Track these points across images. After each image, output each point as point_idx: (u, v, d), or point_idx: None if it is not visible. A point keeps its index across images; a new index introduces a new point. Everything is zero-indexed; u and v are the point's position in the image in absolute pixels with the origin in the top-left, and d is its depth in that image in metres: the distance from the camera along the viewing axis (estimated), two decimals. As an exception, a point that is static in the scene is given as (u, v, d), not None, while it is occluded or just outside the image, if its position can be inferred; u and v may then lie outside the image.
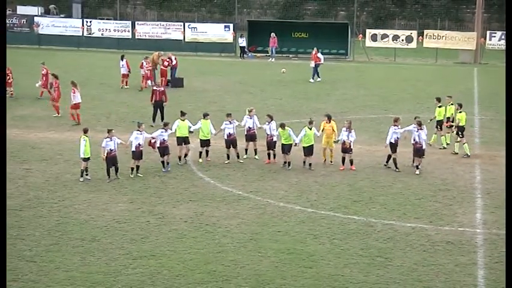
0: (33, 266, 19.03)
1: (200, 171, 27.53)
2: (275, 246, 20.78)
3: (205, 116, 27.79)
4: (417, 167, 26.77)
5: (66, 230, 21.77)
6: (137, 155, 26.79)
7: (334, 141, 27.56)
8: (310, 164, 26.82)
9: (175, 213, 23.34)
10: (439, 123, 32.45)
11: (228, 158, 28.23)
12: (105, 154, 26.26)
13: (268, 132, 26.74)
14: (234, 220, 22.80)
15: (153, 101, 34.43)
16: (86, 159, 26.51)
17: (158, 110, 34.10)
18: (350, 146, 26.90)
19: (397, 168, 27.23)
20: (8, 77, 36.60)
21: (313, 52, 48.55)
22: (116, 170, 26.68)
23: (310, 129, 26.39)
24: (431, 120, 32.72)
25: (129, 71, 45.62)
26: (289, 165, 26.95)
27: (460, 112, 32.01)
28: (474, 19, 59.32)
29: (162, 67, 46.05)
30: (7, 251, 19.97)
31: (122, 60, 44.98)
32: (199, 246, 20.64)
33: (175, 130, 27.43)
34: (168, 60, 46.55)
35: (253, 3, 68.33)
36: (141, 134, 26.90)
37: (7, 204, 23.81)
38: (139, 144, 26.63)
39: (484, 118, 38.13)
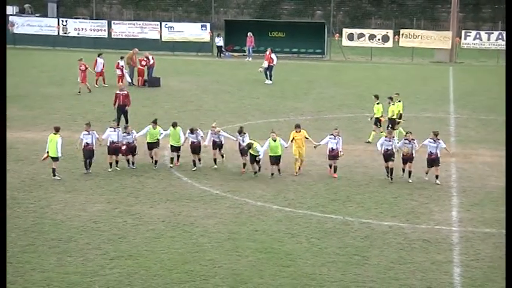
0: (9, 267, 18.87)
1: (177, 171, 27.52)
2: (253, 245, 20.81)
3: (174, 125, 27.57)
4: (436, 177, 26.41)
5: (43, 230, 21.71)
6: (112, 150, 27.20)
7: (314, 147, 27.37)
8: (279, 170, 26.70)
9: (153, 213, 23.34)
10: (378, 122, 33.07)
11: (194, 164, 28.21)
12: (82, 146, 26.75)
13: (241, 143, 26.50)
14: (211, 219, 22.83)
15: (116, 105, 34.14)
16: (54, 158, 26.57)
17: (121, 113, 33.73)
18: (338, 154, 26.73)
19: (389, 177, 26.96)
20: None
21: (267, 53, 48.60)
22: (90, 164, 27.09)
23: (275, 140, 26.16)
24: (371, 118, 33.37)
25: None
26: (256, 173, 26.99)
27: (378, 104, 33.23)
28: (449, 18, 59.65)
29: (140, 66, 46.12)
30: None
31: (100, 57, 45.00)
32: (176, 246, 20.65)
33: (147, 136, 27.45)
34: (145, 59, 46.58)
35: (230, 3, 68.37)
36: (114, 131, 27.32)
37: None
38: (113, 141, 27.07)
39: (459, 117, 38.30)
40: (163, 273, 18.75)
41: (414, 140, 26.02)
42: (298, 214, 23.45)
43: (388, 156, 26.14)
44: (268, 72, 47.69)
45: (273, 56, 48.51)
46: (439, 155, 25.65)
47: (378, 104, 33.23)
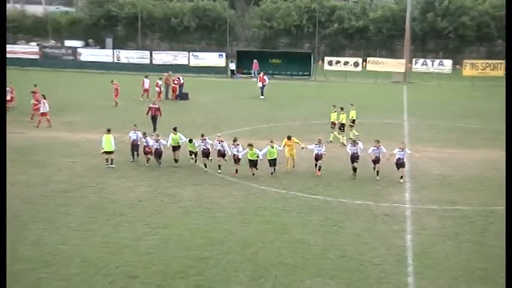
0: (77, 233, 18.98)
1: (201, 163, 27.43)
2: (257, 218, 20.87)
3: (175, 130, 27.30)
4: (401, 177, 25.48)
5: (102, 207, 21.74)
6: (133, 147, 27.70)
7: (302, 148, 26.80)
8: (274, 169, 25.97)
9: (183, 194, 23.32)
10: (333, 125, 32.81)
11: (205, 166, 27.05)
12: (130, 141, 27.38)
13: (235, 152, 25.71)
14: (226, 199, 22.81)
15: (148, 114, 33.83)
16: (107, 152, 26.89)
17: (153, 121, 33.57)
18: (321, 157, 26.18)
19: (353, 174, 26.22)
20: (38, 102, 35.78)
21: (261, 75, 48.55)
22: (137, 155, 27.42)
23: (272, 147, 25.61)
24: (334, 124, 32.95)
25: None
26: (253, 175, 25.79)
27: (342, 114, 32.66)
28: (403, 50, 59.49)
29: (173, 85, 46.26)
30: (58, 223, 20.00)
31: (146, 78, 45.01)
32: (200, 219, 20.70)
33: (171, 140, 27.11)
34: (177, 79, 46.66)
35: (240, 37, 68.26)
36: (135, 132, 27.61)
37: (58, 188, 23.95)
38: (134, 139, 27.50)
39: (411, 123, 38.21)
40: (190, 239, 18.79)
41: (380, 146, 25.49)
42: (291, 195, 23.42)
43: (354, 158, 25.77)
44: (261, 90, 47.42)
45: (266, 77, 48.31)
46: (404, 160, 25.21)
47: (336, 112, 32.83)
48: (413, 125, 37.40)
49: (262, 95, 47.56)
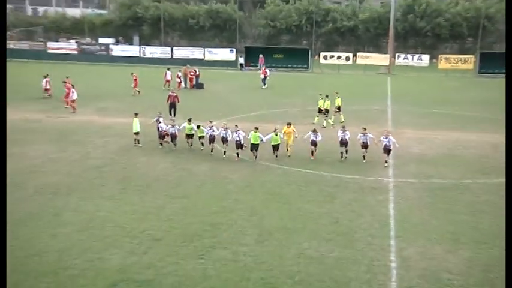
0: (109, 202, 19.05)
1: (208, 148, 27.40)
2: (262, 190, 20.87)
3: (189, 120, 26.25)
4: (386, 162, 24.54)
5: (131, 179, 21.79)
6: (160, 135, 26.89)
7: (296, 136, 25.84)
8: (276, 156, 25.09)
9: (199, 170, 23.28)
10: (320, 111, 32.34)
11: (212, 151, 26.07)
12: (156, 125, 26.89)
13: (237, 138, 24.78)
14: (236, 174, 22.79)
15: (168, 102, 33.46)
16: (136, 133, 26.77)
17: (172, 108, 33.09)
18: (316, 143, 25.20)
19: (342, 157, 25.32)
20: (69, 90, 35.47)
21: (263, 68, 48.47)
22: (164, 140, 26.78)
23: (276, 135, 24.81)
24: (320, 110, 32.50)
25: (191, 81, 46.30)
26: (256, 157, 24.89)
27: (327, 100, 32.31)
28: (387, 46, 59.13)
29: (190, 76, 46.17)
30: (94, 193, 20.09)
31: (169, 71, 44.88)
32: (214, 191, 20.72)
33: (185, 129, 26.27)
34: (194, 71, 46.58)
35: (248, 35, 67.87)
36: (159, 121, 27.05)
37: (93, 163, 24.09)
38: (161, 127, 26.73)
39: (394, 109, 38.04)
40: (206, 206, 18.88)
41: (367, 133, 24.79)
42: (291, 171, 23.35)
43: (343, 143, 25.06)
44: (264, 81, 47.04)
45: (267, 70, 47.99)
46: (391, 147, 24.25)
47: (323, 99, 32.40)
48: (395, 111, 37.24)
49: (264, 85, 47.26)
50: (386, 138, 24.12)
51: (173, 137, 26.39)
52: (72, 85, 35.43)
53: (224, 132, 25.12)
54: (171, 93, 34.00)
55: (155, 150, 26.33)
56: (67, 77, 36.73)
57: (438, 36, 62.83)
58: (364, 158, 24.70)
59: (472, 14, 61.33)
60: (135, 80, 41.47)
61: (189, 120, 26.21)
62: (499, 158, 25.64)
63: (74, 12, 72.84)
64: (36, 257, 15.17)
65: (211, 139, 25.49)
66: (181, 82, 45.17)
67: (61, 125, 31.10)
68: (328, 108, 32.50)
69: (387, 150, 24.07)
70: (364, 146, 24.55)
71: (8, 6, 73.48)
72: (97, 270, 14.44)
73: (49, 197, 19.75)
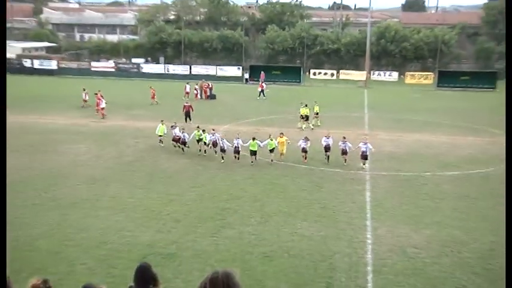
0: (140, 190, 19.02)
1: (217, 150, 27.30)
2: (263, 181, 20.86)
3: (200, 129, 25.09)
4: (363, 164, 22.92)
5: (156, 172, 21.76)
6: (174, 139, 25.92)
7: (288, 142, 24.22)
8: (272, 160, 23.76)
9: (211, 165, 23.19)
10: (302, 117, 31.95)
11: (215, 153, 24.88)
12: (173, 135, 25.91)
13: (236, 145, 23.50)
14: (241, 168, 22.74)
15: (184, 111, 32.82)
16: (160, 136, 26.53)
17: (187, 116, 32.45)
18: (307, 150, 23.74)
19: (327, 160, 23.93)
20: (99, 101, 34.96)
21: (260, 82, 48.13)
22: (183, 144, 25.81)
23: (271, 140, 23.72)
24: (302, 116, 32.09)
25: (205, 93, 45.88)
26: (252, 162, 23.47)
27: (306, 108, 32.05)
28: (365, 65, 58.95)
29: (205, 88, 46.01)
30: (127, 183, 20.07)
31: (187, 84, 44.68)
32: (224, 182, 20.68)
33: (194, 135, 25.11)
34: (208, 85, 46.47)
35: (252, 56, 67.69)
36: (175, 129, 25.96)
37: (127, 159, 24.05)
38: (175, 133, 25.80)
39: (370, 115, 37.82)
40: (217, 195, 18.84)
41: (346, 142, 23.60)
42: (286, 165, 23.24)
43: (327, 148, 23.93)
44: (262, 93, 46.14)
45: (263, 84, 47.17)
46: (367, 153, 22.75)
47: (303, 107, 32.10)
48: (371, 117, 37.07)
49: (263, 96, 46.21)
50: (364, 144, 22.86)
51: (183, 142, 25.58)
52: (101, 96, 35.22)
53: (214, 137, 24.16)
54: (185, 104, 33.65)
55: (176, 149, 26.27)
56: (99, 91, 36.68)
57: (405, 57, 62.76)
58: (345, 161, 23.39)
59: (431, 40, 61.56)
60: (153, 92, 41.25)
61: (197, 127, 25.73)
62: (453, 155, 25.67)
63: (113, 37, 72.88)
64: (84, 233, 15.24)
65: (214, 144, 24.31)
66: (197, 93, 45.02)
67: (102, 129, 31.03)
68: (308, 114, 32.24)
69: (364, 156, 22.71)
70: (344, 152, 23.27)
71: (61, 34, 73.56)
72: (131, 245, 14.46)
73: (92, 186, 19.78)
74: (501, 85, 49.30)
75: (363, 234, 15.55)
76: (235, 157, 23.59)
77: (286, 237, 15.30)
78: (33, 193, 18.81)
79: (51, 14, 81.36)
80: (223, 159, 23.74)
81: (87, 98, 38.17)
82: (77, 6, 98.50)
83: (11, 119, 32.27)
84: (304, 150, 23.75)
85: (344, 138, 23.67)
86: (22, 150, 25.12)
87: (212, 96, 45.82)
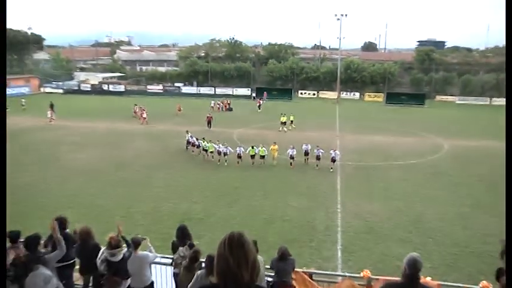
0: (180, 174, 18.61)
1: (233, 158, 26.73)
2: (263, 171, 20.48)
3: (206, 140, 22.27)
4: (331, 168, 20.25)
5: (191, 161, 21.13)
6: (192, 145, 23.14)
7: (277, 150, 21.29)
8: (263, 161, 20.99)
9: (228, 159, 22.46)
10: (282, 122, 31.56)
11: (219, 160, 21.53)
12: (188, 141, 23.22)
13: (238, 151, 21.08)
14: (248, 164, 21.70)
15: (206, 120, 31.60)
16: (188, 143, 23.54)
17: (208, 124, 31.13)
18: (293, 157, 20.84)
19: (306, 162, 21.52)
20: (142, 112, 34.05)
21: (258, 99, 47.46)
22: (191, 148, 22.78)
23: (263, 147, 21.13)
24: (281, 122, 31.58)
25: (225, 107, 44.65)
26: (252, 163, 20.79)
27: (284, 116, 31.68)
28: (336, 87, 58.43)
29: (225, 104, 45.60)
30: (171, 169, 19.86)
31: (213, 101, 44.44)
32: (237, 170, 20.40)
33: (206, 145, 21.99)
34: (227, 101, 46.24)
35: (257, 81, 67.27)
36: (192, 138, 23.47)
37: (170, 152, 23.35)
38: (193, 141, 23.24)
39: (339, 122, 37.36)
40: (232, 179, 18.48)
41: (320, 148, 20.80)
42: (280, 161, 22.34)
43: (306, 153, 21.44)
44: (259, 107, 44.57)
45: (261, 101, 46.29)
46: (336, 159, 20.47)
47: (282, 116, 31.82)
48: (340, 123, 36.66)
49: (259, 109, 44.47)
50: (334, 151, 20.57)
51: (197, 146, 22.58)
52: (141, 107, 34.90)
53: (225, 148, 21.18)
54: (208, 115, 32.58)
55: (199, 150, 25.74)
56: (135, 104, 36.23)
57: (364, 82, 62.31)
58: (317, 166, 20.52)
59: (381, 71, 61.83)
60: (179, 107, 39.85)
61: (203, 139, 22.56)
62: (396, 151, 25.35)
63: (162, 69, 73.15)
64: (142, 203, 15.24)
65: (219, 153, 21.23)
66: (220, 107, 44.76)
67: (153, 132, 30.72)
68: (285, 121, 31.71)
69: (333, 160, 20.34)
70: (317, 158, 20.60)
71: (127, 67, 72.97)
72: (172, 212, 14.48)
73: (146, 171, 19.69)
74: (428, 103, 49.92)
75: (335, 206, 15.46)
76: (238, 162, 20.96)
77: (281, 208, 15.24)
78: (106, 175, 18.86)
79: (121, 54, 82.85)
80: (226, 162, 21.05)
81: (138, 110, 36.37)
82: (138, 48, 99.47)
83: (99, 124, 32.26)
84: (291, 157, 20.72)
85: (318, 146, 21.10)
86: (100, 146, 25.10)
87: (230, 109, 45.60)
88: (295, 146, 21.44)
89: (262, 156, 21.01)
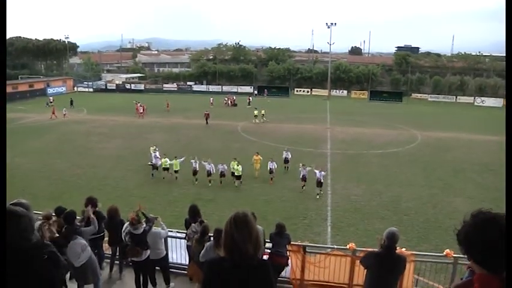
0: (191, 162, 18.49)
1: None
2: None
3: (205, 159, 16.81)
4: (319, 192, 14.55)
5: (200, 147, 20.45)
6: None
7: (260, 158, 16.83)
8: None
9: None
10: (255, 115, 31.01)
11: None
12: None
13: (221, 169, 15.94)
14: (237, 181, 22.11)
15: (204, 116, 30.19)
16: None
17: (206, 119, 29.81)
18: (273, 171, 15.91)
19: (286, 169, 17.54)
20: (141, 108, 32.14)
21: (248, 96, 47.03)
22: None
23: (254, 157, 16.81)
24: (262, 115, 30.84)
25: (231, 102, 43.85)
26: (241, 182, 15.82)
27: (256, 110, 31.22)
28: (328, 86, 57.91)
29: (231, 100, 45.19)
30: (183, 156, 19.60)
31: (226, 97, 44.15)
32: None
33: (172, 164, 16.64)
34: (232, 97, 45.90)
35: (259, 80, 66.69)
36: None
37: (183, 142, 22.80)
38: None
39: (330, 117, 37.05)
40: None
41: (306, 167, 15.19)
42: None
43: (285, 161, 17.51)
44: (249, 103, 43.02)
45: (250, 98, 44.74)
46: (322, 180, 14.44)
47: (255, 110, 30.66)
48: (331, 117, 36.42)
49: (249, 104, 42.72)
50: (320, 172, 14.55)
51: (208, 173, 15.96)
52: (139, 104, 33.53)
53: (209, 165, 15.71)
54: (205, 112, 30.79)
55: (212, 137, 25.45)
56: (135, 101, 34.97)
57: (351, 82, 61.91)
58: (302, 187, 15.12)
59: (366, 72, 61.73)
60: (167, 103, 37.22)
61: (199, 155, 17.13)
62: (379, 141, 25.23)
63: (176, 70, 72.95)
64: (159, 186, 15.08)
65: (209, 173, 15.69)
66: (226, 102, 44.47)
67: (167, 124, 30.06)
68: (257, 114, 31.28)
69: (319, 183, 14.42)
70: (303, 179, 15.11)
71: (146, 68, 72.36)
72: (186, 194, 14.49)
73: (163, 157, 19.29)
74: (405, 100, 49.47)
75: (326, 188, 15.41)
76: (221, 182, 15.68)
77: (279, 190, 15.25)
78: (127, 162, 18.86)
79: (141, 57, 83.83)
80: (210, 182, 15.67)
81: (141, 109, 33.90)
82: (156, 52, 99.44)
83: (122, 118, 32.08)
84: (271, 172, 15.93)
85: (303, 164, 15.47)
86: (123, 137, 25.05)
87: (235, 105, 45.32)
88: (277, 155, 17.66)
89: (238, 177, 15.46)
